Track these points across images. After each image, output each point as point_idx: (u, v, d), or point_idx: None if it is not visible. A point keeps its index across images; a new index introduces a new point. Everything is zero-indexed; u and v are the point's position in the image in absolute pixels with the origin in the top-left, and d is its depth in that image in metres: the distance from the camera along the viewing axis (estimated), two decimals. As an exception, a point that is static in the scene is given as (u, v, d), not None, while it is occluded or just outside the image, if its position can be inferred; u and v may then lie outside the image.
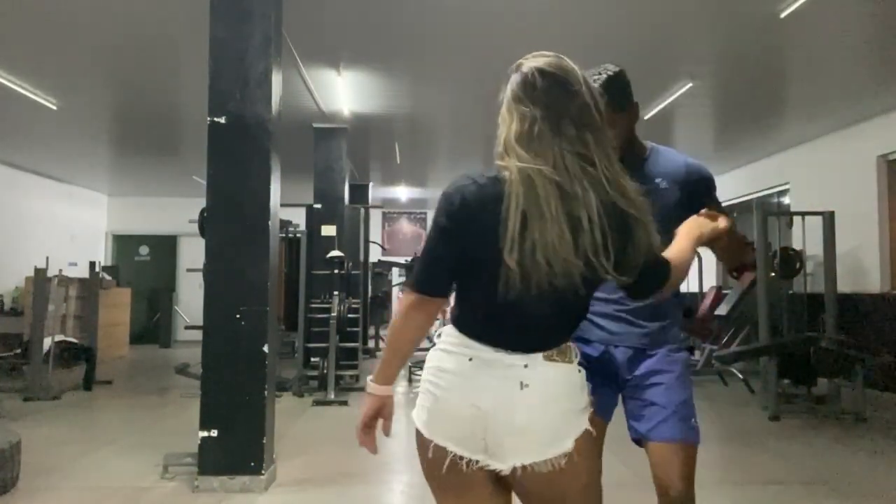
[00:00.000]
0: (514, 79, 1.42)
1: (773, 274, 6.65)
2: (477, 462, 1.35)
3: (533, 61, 1.42)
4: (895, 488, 3.85)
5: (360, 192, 11.10)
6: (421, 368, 6.84)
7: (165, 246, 13.05)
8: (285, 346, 8.96)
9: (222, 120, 3.78)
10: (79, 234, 11.76)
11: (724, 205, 2.02)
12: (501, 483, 1.41)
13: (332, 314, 6.77)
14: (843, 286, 7.02)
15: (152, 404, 6.40)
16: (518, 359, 1.34)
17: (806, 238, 6.95)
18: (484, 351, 1.35)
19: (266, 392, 3.72)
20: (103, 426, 5.56)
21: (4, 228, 9.68)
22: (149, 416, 5.86)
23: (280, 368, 6.49)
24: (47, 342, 6.82)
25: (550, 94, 1.35)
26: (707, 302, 8.40)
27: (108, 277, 10.08)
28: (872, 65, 5.85)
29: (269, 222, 3.81)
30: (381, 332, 11.57)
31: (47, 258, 7.20)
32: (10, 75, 5.99)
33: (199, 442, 3.66)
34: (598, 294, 1.65)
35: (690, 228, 1.64)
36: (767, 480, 3.96)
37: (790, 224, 7.72)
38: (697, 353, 8.00)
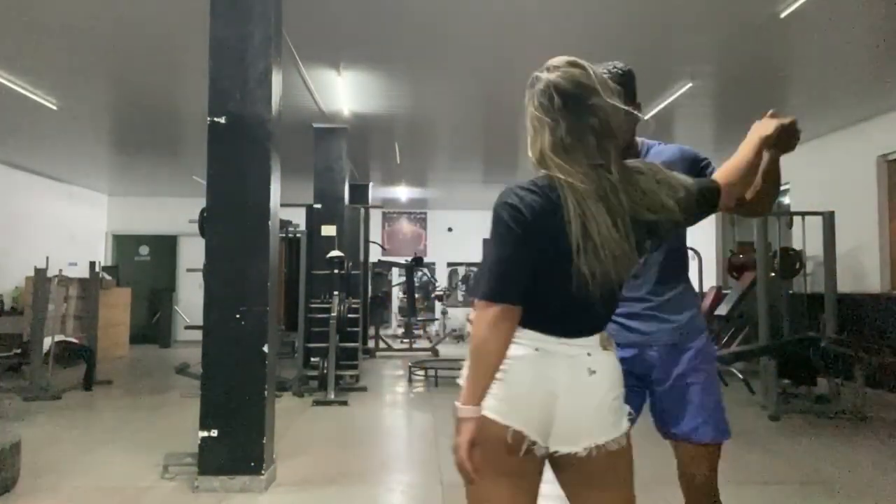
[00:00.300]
0: (536, 91, 1.49)
1: (773, 274, 6.65)
2: (545, 447, 1.44)
3: (551, 75, 1.48)
4: (895, 488, 3.85)
5: (360, 192, 11.10)
6: (420, 369, 6.87)
7: (165, 246, 13.05)
8: (285, 346, 8.95)
9: (222, 120, 3.79)
10: (79, 234, 11.76)
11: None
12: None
13: (332, 314, 6.77)
14: (843, 286, 7.02)
15: (152, 404, 6.40)
16: (580, 348, 1.45)
17: (806, 238, 6.95)
18: (548, 342, 1.44)
19: (266, 392, 3.73)
20: (103, 426, 5.56)
21: (4, 228, 9.67)
22: (149, 416, 5.86)
23: (280, 368, 6.48)
24: (47, 342, 6.83)
25: (569, 109, 1.43)
26: (707, 302, 8.41)
27: (108, 277, 10.08)
28: (872, 65, 5.86)
29: (269, 222, 3.81)
30: (381, 332, 11.59)
31: (47, 258, 7.19)
32: (10, 75, 5.99)
33: (199, 442, 3.66)
34: (627, 294, 1.73)
35: (751, 134, 1.70)
36: (767, 480, 3.96)
37: (790, 224, 7.72)
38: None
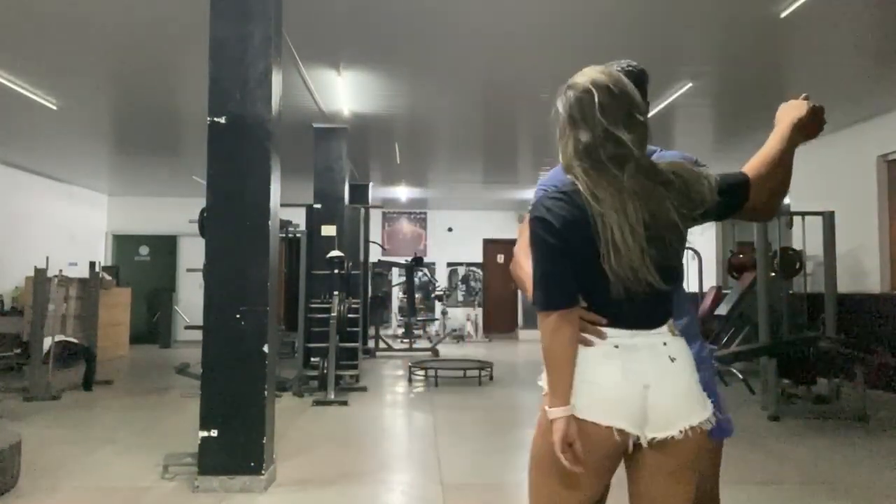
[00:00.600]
0: (568, 98, 1.54)
1: (773, 274, 6.65)
2: (643, 438, 1.49)
3: (583, 83, 1.53)
4: (895, 488, 3.85)
5: (360, 192, 11.10)
6: (420, 369, 6.86)
7: (165, 246, 13.05)
8: (285, 346, 8.96)
9: (222, 120, 3.79)
10: (79, 234, 11.76)
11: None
12: None
13: (332, 314, 6.77)
14: (843, 286, 7.03)
15: (152, 404, 6.40)
16: (656, 336, 1.53)
17: (806, 238, 6.95)
18: (622, 336, 1.51)
19: (266, 392, 3.73)
20: (103, 426, 5.56)
21: (4, 228, 9.68)
22: (149, 416, 5.86)
23: (280, 368, 6.49)
24: (47, 342, 6.83)
25: (599, 118, 1.49)
26: (707, 302, 8.41)
27: (108, 277, 10.08)
28: (872, 65, 5.86)
29: (269, 222, 3.81)
30: (381, 332, 11.59)
31: (47, 258, 7.20)
32: (10, 75, 6.00)
33: (199, 442, 3.66)
34: None
35: (780, 121, 1.67)
36: (767, 480, 3.96)
37: (790, 224, 7.72)
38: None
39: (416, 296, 13.71)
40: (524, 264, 1.93)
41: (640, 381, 1.48)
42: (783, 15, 4.64)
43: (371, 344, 11.09)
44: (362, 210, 10.90)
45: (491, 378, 8.00)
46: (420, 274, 13.91)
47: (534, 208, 1.53)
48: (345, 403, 6.31)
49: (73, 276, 9.01)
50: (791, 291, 7.20)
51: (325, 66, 5.93)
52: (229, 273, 3.76)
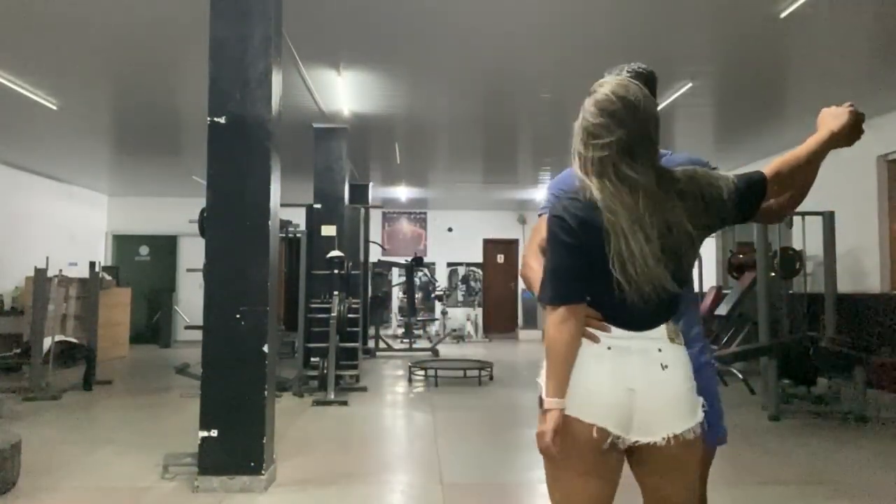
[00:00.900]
0: (589, 106, 1.58)
1: (773, 274, 6.65)
2: (625, 440, 1.53)
3: (603, 93, 1.57)
4: (895, 488, 3.85)
5: (360, 192, 11.10)
6: (420, 369, 6.86)
7: (165, 246, 13.06)
8: (285, 346, 8.97)
9: (222, 120, 3.79)
10: (79, 234, 11.76)
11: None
12: None
13: (332, 314, 6.77)
14: (843, 286, 7.03)
15: (152, 404, 6.40)
16: (651, 341, 1.56)
17: (806, 238, 6.94)
18: (618, 337, 1.55)
19: (266, 392, 3.73)
20: (103, 426, 5.56)
21: (4, 228, 9.68)
22: (149, 416, 5.86)
23: (280, 368, 6.49)
24: (47, 342, 6.83)
25: (617, 127, 1.53)
26: (707, 302, 8.41)
27: (108, 277, 10.08)
28: (872, 65, 5.86)
29: (269, 222, 3.81)
30: (381, 332, 11.59)
31: (47, 258, 7.20)
32: (10, 75, 6.00)
33: (199, 442, 3.66)
34: None
35: (821, 127, 1.68)
36: (767, 480, 3.96)
37: (790, 224, 7.72)
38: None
39: (416, 296, 13.72)
40: (533, 265, 1.93)
41: (626, 385, 1.52)
42: (783, 15, 4.64)
43: (371, 344, 11.09)
44: (362, 210, 10.90)
45: (491, 378, 8.00)
46: (420, 274, 13.92)
47: (553, 207, 1.59)
48: (345, 403, 6.31)
49: (73, 276, 9.01)
50: (791, 291, 7.20)
51: (325, 66, 5.93)
52: (229, 273, 3.76)
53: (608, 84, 1.58)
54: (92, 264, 8.17)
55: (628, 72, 1.92)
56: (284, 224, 7.22)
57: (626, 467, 1.63)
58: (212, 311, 3.75)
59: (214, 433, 3.65)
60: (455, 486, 3.86)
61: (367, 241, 11.32)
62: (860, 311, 7.21)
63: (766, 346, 5.99)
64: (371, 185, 11.66)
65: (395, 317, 14.20)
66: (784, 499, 3.66)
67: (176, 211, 11.64)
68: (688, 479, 1.61)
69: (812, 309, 6.95)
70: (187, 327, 7.75)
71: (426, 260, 14.02)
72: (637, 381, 1.52)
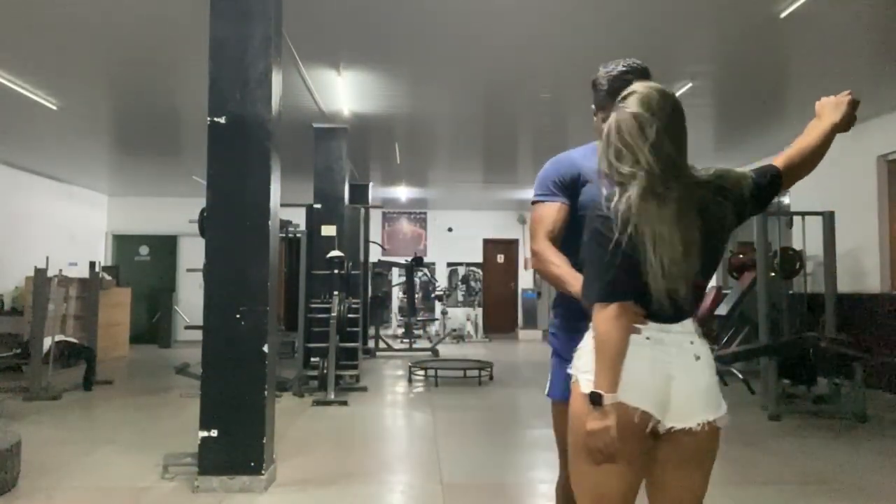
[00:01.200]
0: (625, 111, 1.62)
1: (773, 274, 6.65)
2: (662, 425, 1.59)
3: (639, 98, 1.62)
4: (895, 488, 3.85)
5: (360, 192, 11.10)
6: (420, 369, 6.87)
7: (165, 246, 13.05)
8: (285, 346, 8.96)
9: (222, 120, 3.79)
10: (79, 234, 11.76)
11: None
12: None
13: (332, 314, 6.77)
14: (843, 286, 7.02)
15: (152, 404, 6.40)
16: (683, 336, 1.64)
17: (806, 238, 6.94)
18: (653, 329, 1.62)
19: (266, 392, 3.73)
20: (103, 426, 5.56)
21: (4, 228, 9.67)
22: (149, 416, 5.87)
23: (280, 368, 6.48)
24: (47, 342, 6.83)
25: (652, 132, 1.59)
26: (707, 302, 8.40)
27: (108, 277, 10.08)
28: (872, 65, 5.86)
29: (269, 222, 3.81)
30: (381, 332, 11.59)
31: (47, 258, 7.19)
32: (10, 75, 5.99)
33: (199, 442, 3.66)
34: None
35: (821, 119, 1.83)
36: (767, 480, 3.96)
37: (790, 224, 7.72)
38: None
39: (416, 296, 13.71)
40: (554, 259, 1.93)
41: (665, 372, 1.60)
42: (783, 15, 4.63)
43: (371, 344, 11.09)
44: (362, 210, 10.90)
45: (491, 378, 8.00)
46: (420, 274, 13.91)
47: (595, 207, 1.64)
48: (345, 403, 6.31)
49: (73, 276, 9.01)
50: (791, 291, 7.20)
51: (325, 66, 5.93)
52: (229, 273, 3.76)
53: (644, 91, 1.63)
54: (92, 264, 8.18)
55: (624, 66, 1.97)
56: (284, 224, 7.21)
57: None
58: (212, 311, 3.75)
59: (214, 433, 3.65)
60: (455, 486, 3.86)
61: (367, 241, 11.31)
62: (860, 311, 7.21)
63: (766, 346, 5.99)
64: (371, 185, 11.66)
65: (395, 317, 14.20)
66: (784, 499, 3.66)
67: (176, 211, 11.62)
68: (706, 471, 1.67)
69: (812, 309, 6.95)
70: (187, 327, 7.75)
71: (426, 260, 14.02)
72: (675, 369, 1.60)
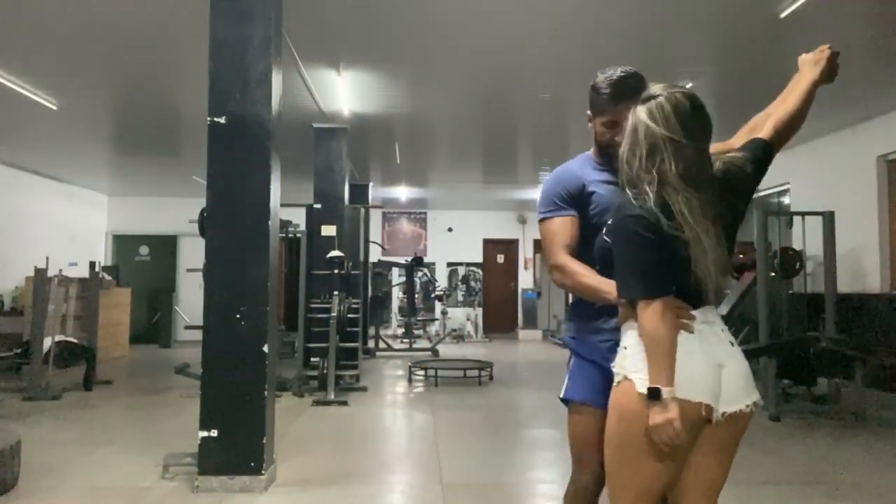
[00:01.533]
0: (653, 112, 1.66)
1: (773, 274, 6.65)
2: (716, 411, 1.64)
3: (668, 99, 1.66)
4: (895, 488, 3.85)
5: (360, 192, 11.10)
6: (420, 369, 6.88)
7: (165, 246, 13.05)
8: (285, 346, 8.95)
9: (222, 120, 3.79)
10: (79, 234, 11.76)
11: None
12: None
13: (332, 314, 6.76)
14: (843, 286, 7.02)
15: (152, 404, 6.41)
16: (716, 325, 1.71)
17: (806, 238, 6.94)
18: (696, 323, 1.67)
19: (266, 392, 3.73)
20: (103, 426, 5.56)
21: (4, 228, 9.67)
22: (149, 416, 5.87)
23: (280, 368, 6.48)
24: (47, 342, 6.82)
25: (682, 133, 1.63)
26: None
27: (108, 277, 10.07)
28: (872, 65, 5.85)
29: (269, 222, 3.81)
30: (381, 332, 11.58)
31: (47, 258, 7.19)
32: (10, 75, 5.99)
33: (199, 442, 3.66)
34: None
35: (801, 77, 1.90)
36: (767, 480, 3.96)
37: (790, 224, 7.72)
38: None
39: (416, 296, 13.71)
40: (580, 269, 1.92)
41: (716, 361, 1.66)
42: (783, 15, 4.63)
43: (371, 344, 11.09)
44: (362, 210, 10.89)
45: (491, 378, 8.00)
46: (420, 274, 13.91)
47: (623, 208, 1.68)
48: (345, 403, 6.31)
49: (73, 276, 9.00)
50: (791, 291, 7.20)
51: (325, 66, 5.93)
52: (229, 273, 3.76)
53: (663, 94, 1.66)
54: (92, 264, 8.17)
55: (622, 71, 2.00)
56: (284, 224, 7.21)
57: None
58: (212, 311, 3.75)
59: (214, 433, 3.65)
60: (455, 486, 3.86)
61: (367, 241, 11.31)
62: (860, 311, 7.21)
63: (766, 346, 5.99)
64: (371, 185, 11.66)
65: (395, 317, 14.20)
66: (784, 499, 3.66)
67: (176, 211, 11.62)
68: (734, 455, 1.75)
69: (812, 309, 6.95)
70: (187, 327, 7.73)
71: (426, 260, 14.02)
72: (721, 357, 1.67)
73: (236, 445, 3.65)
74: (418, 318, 13.32)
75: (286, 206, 5.07)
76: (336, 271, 7.25)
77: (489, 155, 9.82)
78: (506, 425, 5.73)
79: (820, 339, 5.72)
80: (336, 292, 6.94)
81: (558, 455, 4.37)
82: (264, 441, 3.68)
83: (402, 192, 12.73)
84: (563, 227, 2.00)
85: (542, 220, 2.07)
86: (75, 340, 7.64)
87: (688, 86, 6.32)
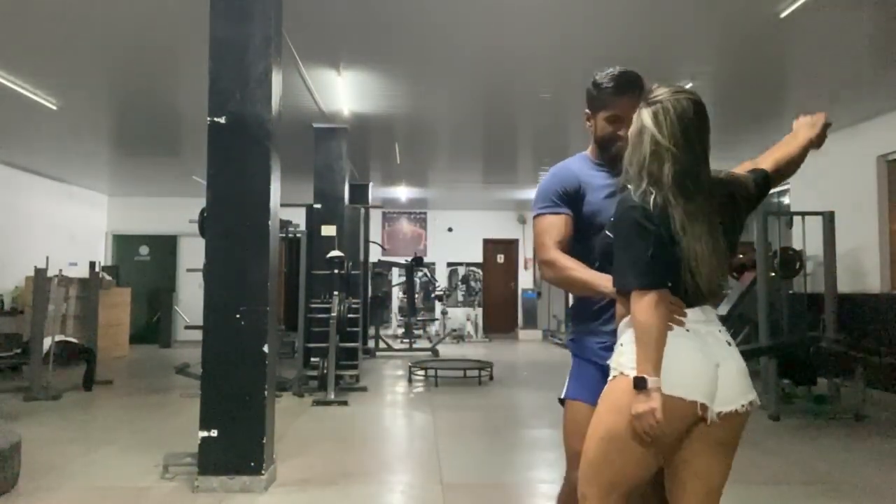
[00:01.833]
0: (657, 114, 1.69)
1: (773, 274, 6.65)
2: (711, 410, 1.64)
3: (671, 102, 1.69)
4: (895, 488, 3.85)
5: (360, 192, 11.10)
6: (420, 369, 6.88)
7: (165, 246, 13.05)
8: (285, 346, 8.96)
9: (222, 120, 3.79)
10: (79, 234, 11.75)
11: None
12: None
13: (332, 314, 6.77)
14: (843, 286, 7.02)
15: (152, 404, 6.40)
16: (713, 325, 1.73)
17: (806, 238, 6.94)
18: (691, 321, 1.69)
19: (266, 392, 3.73)
20: (103, 426, 5.56)
21: (4, 228, 9.67)
22: (149, 416, 5.86)
23: (280, 368, 6.49)
24: (47, 342, 6.82)
25: (685, 137, 1.68)
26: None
27: (108, 277, 10.08)
28: (872, 65, 5.86)
29: (269, 222, 3.81)
30: (381, 332, 11.58)
31: (47, 258, 7.19)
32: (10, 75, 5.99)
33: (199, 442, 3.66)
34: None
35: (798, 134, 1.98)
36: (767, 480, 3.96)
37: (790, 224, 7.72)
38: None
39: (416, 296, 13.71)
40: (570, 264, 1.93)
41: (713, 361, 1.67)
42: (783, 15, 4.63)
43: (371, 344, 11.09)
44: (362, 210, 10.89)
45: (491, 378, 8.00)
46: (420, 274, 13.91)
47: (625, 200, 1.71)
48: (345, 403, 6.31)
49: (73, 276, 9.01)
50: (791, 291, 7.20)
51: (325, 66, 5.93)
52: (229, 273, 3.76)
53: (674, 95, 1.69)
54: (92, 264, 8.17)
55: (621, 69, 2.01)
56: (284, 224, 7.21)
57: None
58: (212, 311, 3.75)
59: (214, 433, 3.65)
60: (455, 486, 3.86)
61: (367, 241, 11.31)
62: (860, 311, 7.21)
63: (766, 346, 5.99)
64: (371, 185, 11.66)
65: (395, 317, 14.20)
66: (784, 499, 3.66)
67: (176, 211, 11.61)
68: (733, 455, 1.75)
69: (812, 309, 6.95)
70: (187, 327, 7.73)
71: (426, 260, 14.02)
72: (718, 357, 1.68)
73: (236, 445, 3.66)
74: (418, 318, 13.32)
75: (286, 206, 5.07)
76: (336, 271, 7.25)
77: (489, 155, 9.82)
78: (506, 425, 5.73)
79: (820, 339, 5.73)
80: (336, 292, 6.94)
81: (558, 455, 4.36)
82: (264, 441, 3.68)
83: (402, 192, 12.73)
84: (557, 224, 2.01)
85: (536, 216, 2.08)
86: (75, 340, 7.64)
87: (688, 86, 6.34)
